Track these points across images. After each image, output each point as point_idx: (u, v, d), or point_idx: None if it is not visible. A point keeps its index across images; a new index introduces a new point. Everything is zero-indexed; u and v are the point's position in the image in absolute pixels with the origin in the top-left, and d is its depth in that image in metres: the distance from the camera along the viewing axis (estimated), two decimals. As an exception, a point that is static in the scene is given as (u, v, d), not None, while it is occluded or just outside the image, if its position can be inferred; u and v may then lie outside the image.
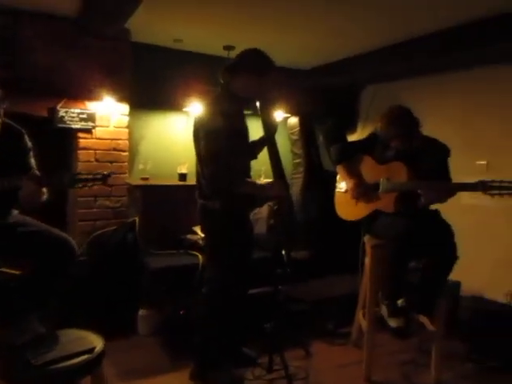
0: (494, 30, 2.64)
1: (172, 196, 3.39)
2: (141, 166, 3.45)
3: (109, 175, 2.02)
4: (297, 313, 3.27)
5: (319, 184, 3.56)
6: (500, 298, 2.97)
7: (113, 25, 2.86)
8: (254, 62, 2.20)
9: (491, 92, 3.26)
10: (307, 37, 3.20)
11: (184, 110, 3.43)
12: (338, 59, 3.75)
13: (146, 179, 3.37)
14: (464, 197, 3.36)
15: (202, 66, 3.49)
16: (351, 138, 4.22)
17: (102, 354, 1.79)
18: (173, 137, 3.58)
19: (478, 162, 3.36)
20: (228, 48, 3.35)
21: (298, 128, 3.68)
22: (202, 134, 2.13)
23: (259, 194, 2.27)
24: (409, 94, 3.14)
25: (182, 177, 3.45)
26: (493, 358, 2.68)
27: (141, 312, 2.94)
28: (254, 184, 2.25)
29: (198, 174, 2.27)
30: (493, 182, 2.03)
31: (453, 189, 2.22)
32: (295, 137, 3.70)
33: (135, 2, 2.37)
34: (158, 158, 3.52)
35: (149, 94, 3.42)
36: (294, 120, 3.74)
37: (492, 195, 2.03)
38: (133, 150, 3.43)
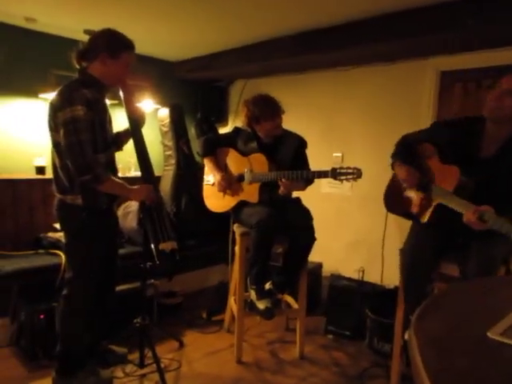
0: (340, 36, 2.93)
1: (28, 191, 3.08)
2: (-13, 159, 3.05)
3: None
4: (170, 306, 3.27)
5: (190, 176, 3.56)
6: (353, 274, 3.34)
7: None
8: (108, 42, 2.05)
9: (347, 90, 3.62)
10: (175, 29, 3.16)
11: (41, 96, 3.12)
12: (205, 54, 3.80)
13: (-4, 173, 3.00)
14: (323, 186, 3.73)
15: (61, 49, 3.21)
16: (222, 130, 4.33)
17: None
18: (28, 126, 3.23)
19: (334, 154, 3.72)
20: (89, 32, 3.12)
21: (168, 120, 3.62)
22: (61, 123, 1.97)
23: (124, 196, 2.21)
24: (275, 89, 3.34)
25: (40, 170, 3.15)
26: (345, 328, 3.01)
27: (-7, 322, 2.63)
28: (120, 184, 2.11)
29: (55, 166, 2.10)
30: (341, 168, 2.26)
31: (308, 177, 2.41)
32: (165, 128, 3.64)
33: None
34: (9, 150, 3.15)
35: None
36: (164, 111, 3.67)
37: (341, 180, 2.27)
38: (-23, 140, 3.02)
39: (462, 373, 0.63)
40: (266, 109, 2.48)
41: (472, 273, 1.84)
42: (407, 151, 2.15)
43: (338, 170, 2.24)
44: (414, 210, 2.08)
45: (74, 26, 3.08)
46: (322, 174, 2.32)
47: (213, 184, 2.75)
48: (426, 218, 2.03)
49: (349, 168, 2.23)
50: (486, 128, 1.93)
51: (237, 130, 2.73)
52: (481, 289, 1.07)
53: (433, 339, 0.72)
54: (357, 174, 2.22)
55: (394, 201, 2.29)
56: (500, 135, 1.90)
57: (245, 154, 2.64)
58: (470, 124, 2.00)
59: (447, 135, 2.04)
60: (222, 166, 2.72)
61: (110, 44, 2.06)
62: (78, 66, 2.10)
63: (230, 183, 2.64)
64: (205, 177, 2.87)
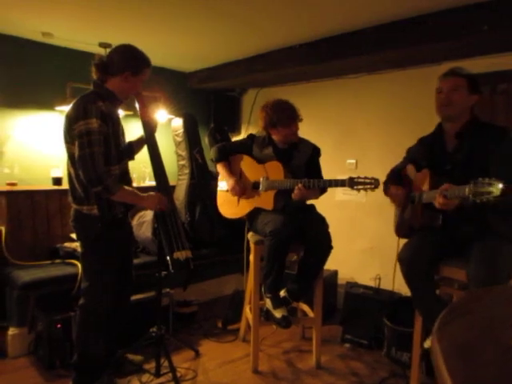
0: (351, 44, 2.94)
1: (46, 202, 3.12)
2: (6, 170, 3.10)
3: None
4: (186, 315, 3.26)
5: (204, 185, 3.58)
6: (369, 282, 3.30)
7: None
8: (132, 61, 2.10)
9: (359, 97, 3.62)
10: (188, 41, 3.20)
11: (57, 108, 3.18)
12: (217, 64, 3.86)
13: (14, 184, 3.04)
14: (338, 194, 3.71)
15: (77, 62, 3.30)
16: (235, 139, 4.34)
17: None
18: (45, 138, 3.29)
19: (348, 161, 3.70)
20: (104, 45, 3.19)
21: (181, 130, 3.65)
22: (76, 135, 2.00)
23: (136, 204, 2.23)
24: (287, 98, 3.33)
25: (57, 181, 3.19)
26: (363, 337, 2.97)
27: (11, 331, 2.66)
28: (132, 193, 2.14)
29: (71, 177, 2.13)
30: (358, 178, 2.24)
31: (325, 185, 2.41)
32: (179, 138, 3.67)
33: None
34: (27, 161, 3.20)
35: (15, 92, 3.13)
36: (177, 121, 3.70)
37: (358, 190, 2.25)
38: (-4, 152, 3.09)
39: (489, 382, 0.62)
40: (283, 115, 2.49)
41: (477, 278, 1.81)
42: (394, 177, 2.35)
43: (356, 180, 2.22)
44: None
45: (89, 39, 3.14)
46: (339, 183, 2.31)
47: (227, 190, 2.76)
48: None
49: (366, 178, 2.21)
50: (445, 129, 2.14)
51: (251, 136, 2.75)
52: (501, 296, 1.04)
53: (457, 347, 0.70)
54: (374, 183, 2.20)
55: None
56: (456, 129, 2.07)
57: (260, 160, 2.65)
58: (432, 133, 2.21)
59: (420, 148, 2.26)
60: (236, 173, 2.74)
61: (134, 63, 2.10)
62: (95, 78, 2.13)
63: (244, 188, 2.65)
64: (219, 183, 2.88)
